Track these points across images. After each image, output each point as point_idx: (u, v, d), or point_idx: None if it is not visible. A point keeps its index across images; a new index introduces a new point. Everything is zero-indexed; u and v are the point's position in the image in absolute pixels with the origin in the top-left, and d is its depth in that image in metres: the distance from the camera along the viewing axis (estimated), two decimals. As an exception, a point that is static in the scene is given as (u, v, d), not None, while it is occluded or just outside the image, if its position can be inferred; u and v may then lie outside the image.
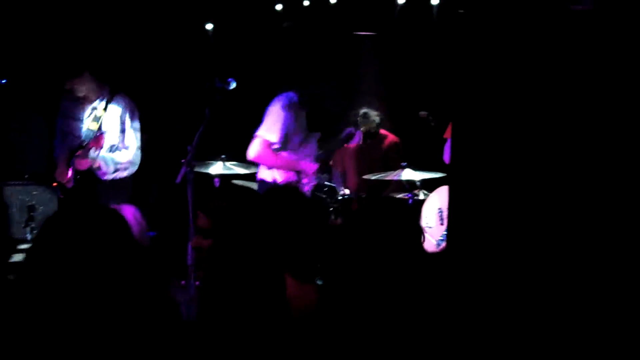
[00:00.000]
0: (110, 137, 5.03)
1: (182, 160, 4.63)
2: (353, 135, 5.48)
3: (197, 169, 5.11)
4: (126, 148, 5.08)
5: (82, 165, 4.95)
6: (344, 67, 6.38)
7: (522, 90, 3.08)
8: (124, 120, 5.09)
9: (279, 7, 6.10)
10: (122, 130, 5.09)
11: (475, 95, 3.25)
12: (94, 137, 4.94)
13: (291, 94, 5.03)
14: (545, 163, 2.94)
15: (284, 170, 5.06)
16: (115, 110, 5.06)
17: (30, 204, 5.10)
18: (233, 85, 4.92)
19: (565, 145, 2.89)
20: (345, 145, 5.54)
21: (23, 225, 4.94)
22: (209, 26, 6.36)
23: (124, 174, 5.05)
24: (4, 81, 5.73)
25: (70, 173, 4.96)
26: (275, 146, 4.95)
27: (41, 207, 5.09)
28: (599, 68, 2.91)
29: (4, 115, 5.90)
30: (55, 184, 5.06)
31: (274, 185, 4.94)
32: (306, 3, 5.99)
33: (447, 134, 5.29)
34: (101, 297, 2.06)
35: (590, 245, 2.78)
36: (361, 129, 5.63)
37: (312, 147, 5.18)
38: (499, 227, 2.96)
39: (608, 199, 2.78)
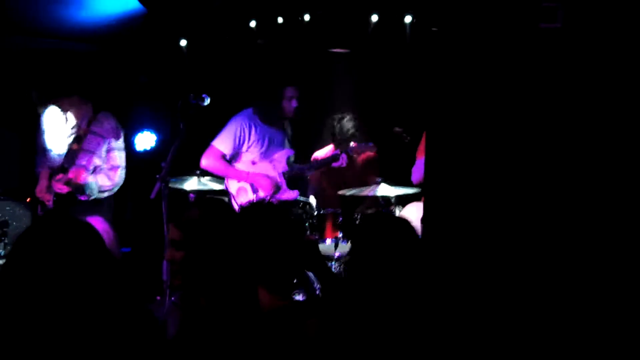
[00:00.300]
0: (94, 158, 4.95)
1: (157, 176, 4.63)
2: (338, 157, 5.51)
3: (171, 185, 5.13)
4: (110, 169, 4.96)
5: (62, 189, 4.79)
6: (317, 84, 6.44)
7: (493, 104, 3.15)
8: (109, 140, 4.98)
9: (253, 24, 6.13)
10: (107, 151, 4.99)
11: (448, 110, 3.31)
12: (76, 168, 4.83)
13: (250, 110, 5.27)
14: (519, 177, 3.00)
15: (234, 180, 5.25)
16: (98, 130, 4.96)
17: (2, 219, 5.05)
18: (207, 101, 4.94)
19: (537, 157, 2.96)
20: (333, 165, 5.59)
21: (-5, 241, 4.90)
22: (183, 42, 6.37)
23: (105, 194, 4.96)
24: None
25: (50, 194, 4.85)
26: (226, 157, 5.19)
27: (14, 223, 5.04)
28: (567, 82, 2.98)
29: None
30: (29, 200, 5.00)
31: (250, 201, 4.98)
32: (280, 20, 6.02)
33: (419, 154, 5.34)
34: (78, 310, 2.06)
35: (559, 260, 2.85)
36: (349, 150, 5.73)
37: (278, 162, 5.30)
38: (472, 241, 3.01)
39: (571, 218, 2.86)
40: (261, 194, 5.19)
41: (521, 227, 2.96)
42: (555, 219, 2.90)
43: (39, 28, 5.83)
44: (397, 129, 5.58)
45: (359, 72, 6.50)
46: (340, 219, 5.21)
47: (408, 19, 5.74)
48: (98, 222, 4.68)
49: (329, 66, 6.61)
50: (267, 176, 5.23)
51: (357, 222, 5.18)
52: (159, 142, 6.33)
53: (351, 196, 5.49)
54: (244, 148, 5.23)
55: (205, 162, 5.21)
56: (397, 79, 6.25)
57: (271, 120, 5.28)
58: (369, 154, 5.94)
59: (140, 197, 5.08)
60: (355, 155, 5.61)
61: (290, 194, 5.32)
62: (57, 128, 4.93)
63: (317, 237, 5.20)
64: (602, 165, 2.88)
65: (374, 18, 5.85)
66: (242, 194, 5.22)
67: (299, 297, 4.71)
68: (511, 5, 3.12)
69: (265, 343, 2.42)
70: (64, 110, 4.90)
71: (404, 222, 2.69)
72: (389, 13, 5.82)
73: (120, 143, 5.00)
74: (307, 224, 5.34)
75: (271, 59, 6.45)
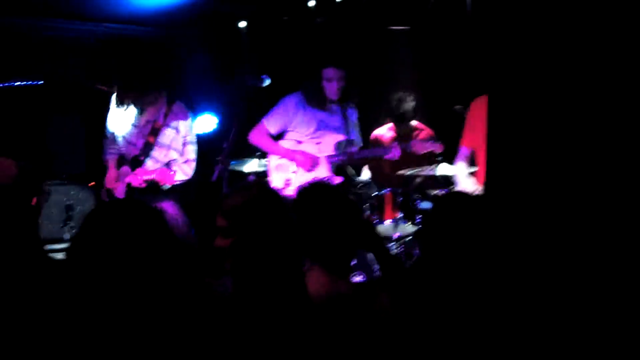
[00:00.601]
0: (170, 151, 4.97)
1: (218, 158, 4.65)
2: (390, 150, 5.28)
3: (232, 167, 5.16)
4: (185, 162, 4.98)
5: (137, 182, 4.77)
6: (377, 62, 6.36)
7: (561, 78, 3.00)
8: (185, 134, 4.99)
9: (311, 3, 6.08)
10: (183, 144, 5.01)
11: (508, 87, 3.21)
12: (164, 171, 4.79)
13: (300, 92, 5.29)
14: (589, 166, 2.89)
15: (276, 156, 5.30)
16: (174, 124, 4.97)
17: (68, 203, 5.14)
18: (267, 82, 4.94)
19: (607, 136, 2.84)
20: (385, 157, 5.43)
21: (61, 225, 5.00)
22: (242, 24, 6.38)
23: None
24: (41, 82, 5.79)
25: (122, 185, 4.89)
26: (273, 135, 5.26)
27: (79, 207, 5.13)
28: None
29: (42, 116, 5.95)
30: (92, 183, 5.06)
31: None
32: (339, -1, 5.97)
33: (464, 141, 5.18)
34: (141, 291, 2.09)
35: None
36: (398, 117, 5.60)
37: (325, 145, 5.25)
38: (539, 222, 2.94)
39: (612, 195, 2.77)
40: (298, 174, 5.17)
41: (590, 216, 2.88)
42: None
43: (99, 13, 5.89)
44: (457, 107, 5.47)
45: (420, 48, 6.40)
46: (400, 199, 5.16)
47: (469, -7, 5.61)
48: (169, 207, 4.75)
49: (388, 44, 6.53)
50: (307, 153, 5.22)
51: (431, 202, 5.07)
52: (219, 125, 6.36)
53: (410, 175, 5.40)
54: (291, 127, 5.26)
55: (252, 137, 5.29)
56: (457, 56, 6.13)
57: (316, 103, 5.24)
58: (428, 132, 5.85)
59: (202, 180, 5.11)
60: (415, 152, 5.28)
61: (333, 180, 5.20)
62: (127, 114, 4.95)
63: (376, 217, 5.17)
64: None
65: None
66: (278, 171, 5.25)
67: (358, 279, 4.70)
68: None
69: (320, 328, 2.42)
70: (142, 104, 4.92)
71: (480, 201, 2.63)
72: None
73: (193, 136, 5.00)
74: (366, 205, 5.30)
75: (330, 38, 6.40)
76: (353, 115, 5.40)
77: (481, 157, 4.85)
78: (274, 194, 2.61)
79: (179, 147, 4.91)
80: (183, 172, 4.90)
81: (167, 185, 4.84)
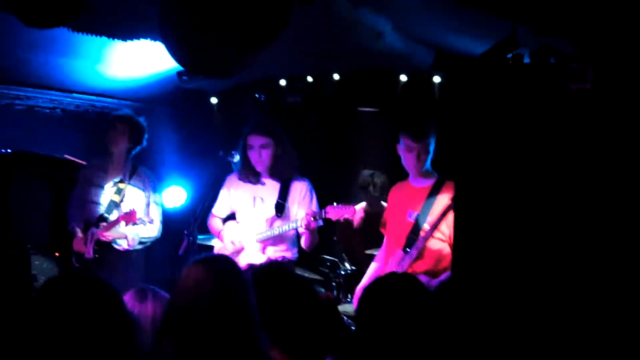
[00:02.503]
0: (134, 210, 5.01)
1: (185, 232, 4.63)
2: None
3: (199, 241, 5.13)
4: (151, 222, 5.07)
5: (106, 237, 4.90)
6: (347, 141, 6.43)
7: (521, 164, 3.13)
8: (148, 195, 5.11)
9: (282, 82, 6.18)
10: (147, 204, 5.11)
11: (478, 166, 3.29)
12: (126, 213, 4.89)
13: (232, 172, 5.06)
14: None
15: (219, 240, 5.17)
16: (138, 184, 5.09)
17: (32, 273, 5.07)
18: (237, 157, 4.97)
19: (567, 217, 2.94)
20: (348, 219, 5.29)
21: (24, 296, 4.91)
22: (214, 100, 6.44)
23: (141, 246, 5.06)
24: (9, 151, 5.76)
25: (90, 244, 4.92)
26: (222, 217, 5.11)
27: (43, 277, 5.06)
28: (596, 143, 2.96)
29: (7, 185, 5.90)
30: (57, 254, 5.04)
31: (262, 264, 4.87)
32: (310, 79, 6.06)
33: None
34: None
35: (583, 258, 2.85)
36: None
37: (257, 223, 4.98)
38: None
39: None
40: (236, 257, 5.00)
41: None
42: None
43: (69, 84, 5.93)
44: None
45: (388, 130, 6.49)
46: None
47: (437, 79, 5.73)
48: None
49: (358, 124, 6.61)
50: (226, 242, 5.06)
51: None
52: (189, 199, 6.35)
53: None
54: (233, 207, 5.09)
55: (208, 224, 5.16)
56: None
57: (247, 177, 4.94)
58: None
59: (171, 254, 5.08)
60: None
61: (259, 257, 4.93)
62: (99, 181, 5.04)
63: (342, 296, 5.12)
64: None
65: (403, 78, 5.85)
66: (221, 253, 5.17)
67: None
68: (541, 66, 3.12)
69: None
70: (108, 165, 5.03)
71: (414, 282, 2.61)
72: (417, 73, 5.82)
73: (158, 197, 5.12)
74: (333, 283, 5.27)
75: (300, 116, 6.47)
76: (300, 190, 4.98)
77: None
78: (235, 273, 2.59)
79: (142, 206, 5.00)
80: (147, 230, 4.97)
81: (135, 243, 4.86)
